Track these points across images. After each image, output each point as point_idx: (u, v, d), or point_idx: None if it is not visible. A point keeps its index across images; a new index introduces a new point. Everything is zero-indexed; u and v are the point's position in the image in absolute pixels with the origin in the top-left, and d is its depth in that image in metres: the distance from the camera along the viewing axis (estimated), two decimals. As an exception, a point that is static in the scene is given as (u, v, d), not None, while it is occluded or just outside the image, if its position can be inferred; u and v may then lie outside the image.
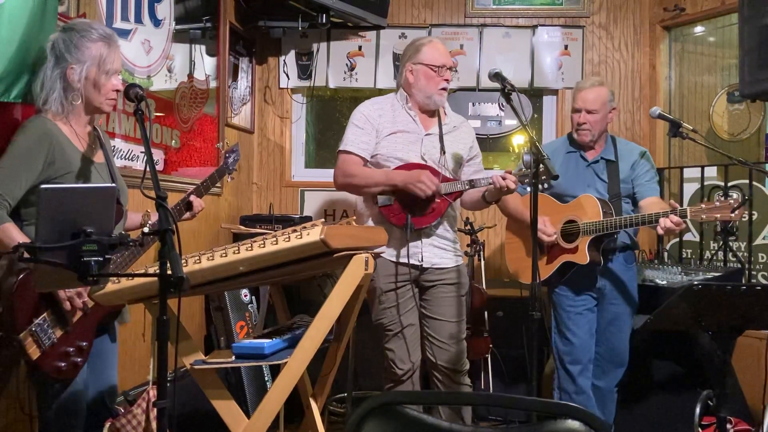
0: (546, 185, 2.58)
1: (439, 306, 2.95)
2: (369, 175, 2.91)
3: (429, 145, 2.95)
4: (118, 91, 2.31)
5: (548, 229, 3.16)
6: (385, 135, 2.94)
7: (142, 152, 3.11)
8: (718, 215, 2.73)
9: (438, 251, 2.95)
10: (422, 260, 2.91)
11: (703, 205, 2.76)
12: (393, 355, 2.94)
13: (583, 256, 3.09)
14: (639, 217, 2.94)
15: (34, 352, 2.13)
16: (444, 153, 2.93)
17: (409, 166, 2.88)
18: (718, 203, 2.73)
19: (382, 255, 2.87)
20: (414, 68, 2.96)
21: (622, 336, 3.22)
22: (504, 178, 2.72)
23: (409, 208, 2.85)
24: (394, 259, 2.91)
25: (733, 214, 2.69)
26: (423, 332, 2.97)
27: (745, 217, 3.86)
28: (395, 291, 2.92)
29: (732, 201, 2.71)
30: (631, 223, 2.96)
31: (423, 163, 2.91)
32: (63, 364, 2.19)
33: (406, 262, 2.87)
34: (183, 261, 2.04)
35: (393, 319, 2.93)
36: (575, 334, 3.23)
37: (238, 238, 3.96)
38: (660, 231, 2.85)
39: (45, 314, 2.16)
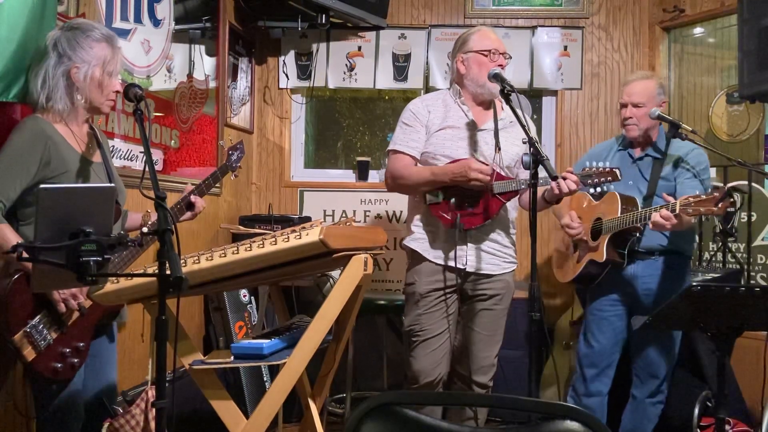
0: (605, 188, 2.53)
1: (475, 316, 2.83)
2: (416, 173, 2.78)
3: (482, 141, 2.80)
4: (117, 92, 2.31)
5: (574, 223, 3.09)
6: (434, 131, 2.80)
7: (141, 152, 3.11)
8: (702, 209, 2.63)
9: (486, 256, 2.80)
10: (466, 264, 2.76)
11: (691, 199, 2.66)
12: (417, 365, 2.79)
13: (600, 254, 3.01)
14: (637, 213, 2.85)
15: (29, 354, 2.13)
16: (499, 149, 2.76)
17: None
18: (704, 197, 2.63)
19: (427, 257, 2.79)
20: (465, 57, 2.82)
21: (655, 346, 3.09)
22: (564, 178, 2.55)
23: (458, 207, 2.70)
24: (439, 261, 2.78)
25: (716, 208, 2.59)
26: (454, 341, 2.85)
27: (743, 218, 3.87)
28: (440, 297, 2.78)
29: (717, 194, 2.61)
30: (636, 219, 2.85)
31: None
32: (59, 365, 2.18)
33: (452, 265, 2.73)
34: (182, 261, 2.04)
35: (424, 327, 2.78)
36: (596, 338, 3.16)
37: (237, 238, 3.95)
38: (650, 226, 2.77)
39: (40, 315, 2.16)
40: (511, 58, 2.90)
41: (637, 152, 3.19)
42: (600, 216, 3.08)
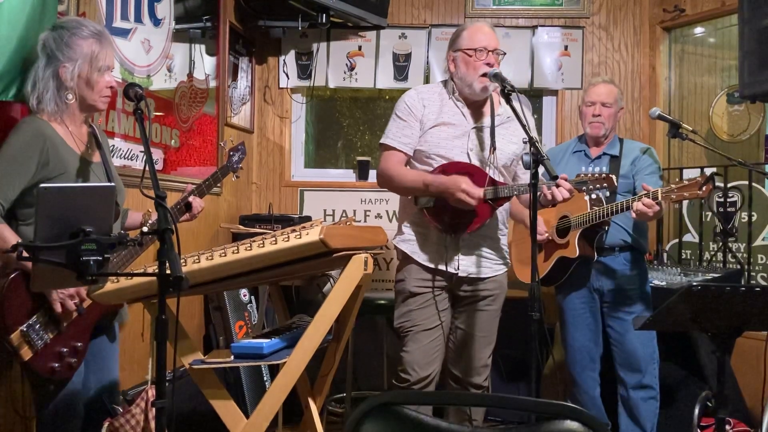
0: (600, 194, 2.54)
1: (468, 317, 2.80)
2: (409, 178, 2.71)
3: (477, 140, 2.72)
4: (112, 87, 2.30)
5: (539, 229, 3.10)
6: (428, 127, 2.72)
7: (141, 152, 3.11)
8: (687, 193, 2.70)
9: (477, 259, 2.75)
10: (458, 269, 2.72)
11: (674, 185, 2.73)
12: (410, 357, 2.73)
13: (573, 250, 3.11)
14: (617, 204, 2.89)
15: (26, 353, 2.12)
16: (494, 150, 2.68)
17: (451, 166, 2.67)
18: (686, 182, 2.71)
19: (417, 260, 2.75)
20: (454, 56, 2.74)
21: (630, 338, 3.15)
22: (557, 186, 2.49)
23: (448, 213, 2.65)
24: (430, 264, 2.73)
25: (700, 191, 2.66)
26: (448, 342, 2.82)
27: (744, 218, 3.87)
28: (429, 296, 2.74)
29: (699, 178, 2.69)
30: (612, 211, 2.92)
31: (467, 161, 2.69)
32: (57, 365, 2.18)
33: (442, 269, 2.70)
34: (182, 261, 2.04)
35: (416, 322, 2.73)
36: (573, 335, 3.27)
37: (237, 237, 3.95)
38: (633, 215, 2.84)
39: (37, 315, 2.15)
40: (505, 54, 2.79)
41: (594, 152, 3.31)
42: (566, 214, 3.15)
